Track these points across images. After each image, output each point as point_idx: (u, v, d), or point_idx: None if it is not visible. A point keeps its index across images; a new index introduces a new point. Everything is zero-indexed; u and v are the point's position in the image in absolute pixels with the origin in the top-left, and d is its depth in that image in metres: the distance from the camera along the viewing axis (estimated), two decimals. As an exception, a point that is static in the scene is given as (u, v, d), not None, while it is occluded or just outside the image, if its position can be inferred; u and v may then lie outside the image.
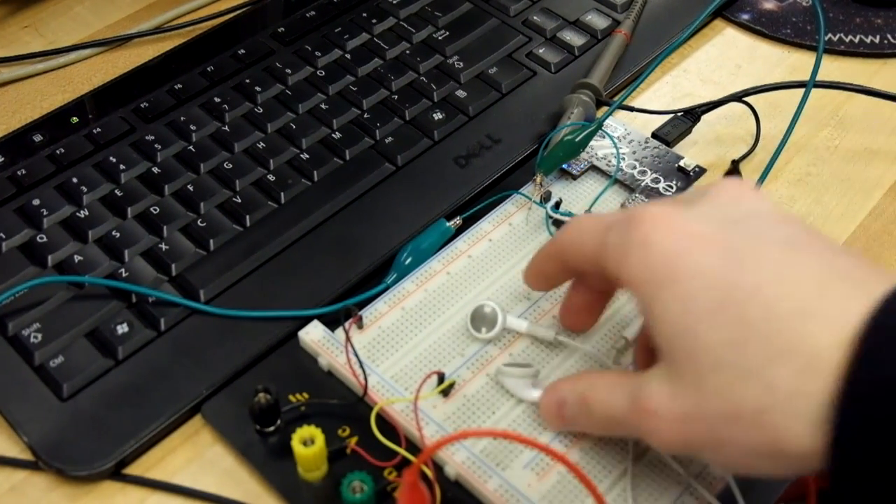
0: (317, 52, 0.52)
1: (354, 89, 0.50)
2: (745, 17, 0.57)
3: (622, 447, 0.35)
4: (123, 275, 0.41)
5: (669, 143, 0.47)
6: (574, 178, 0.45)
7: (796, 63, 0.54)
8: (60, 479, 0.36)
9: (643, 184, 0.45)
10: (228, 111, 0.49)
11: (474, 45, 0.53)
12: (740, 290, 0.28)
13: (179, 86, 0.50)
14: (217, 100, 0.49)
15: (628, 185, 0.45)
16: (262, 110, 0.49)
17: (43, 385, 0.38)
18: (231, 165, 0.46)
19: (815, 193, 0.47)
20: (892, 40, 0.55)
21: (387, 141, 0.47)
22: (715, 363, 0.28)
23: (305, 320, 0.39)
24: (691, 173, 0.45)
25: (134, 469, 0.36)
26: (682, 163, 0.46)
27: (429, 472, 0.34)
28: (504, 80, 0.51)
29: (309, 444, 0.34)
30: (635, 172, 0.45)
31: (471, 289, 0.41)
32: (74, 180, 0.45)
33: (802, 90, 0.47)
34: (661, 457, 0.35)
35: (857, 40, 0.55)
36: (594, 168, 0.46)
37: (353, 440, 0.36)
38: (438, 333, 0.39)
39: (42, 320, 0.39)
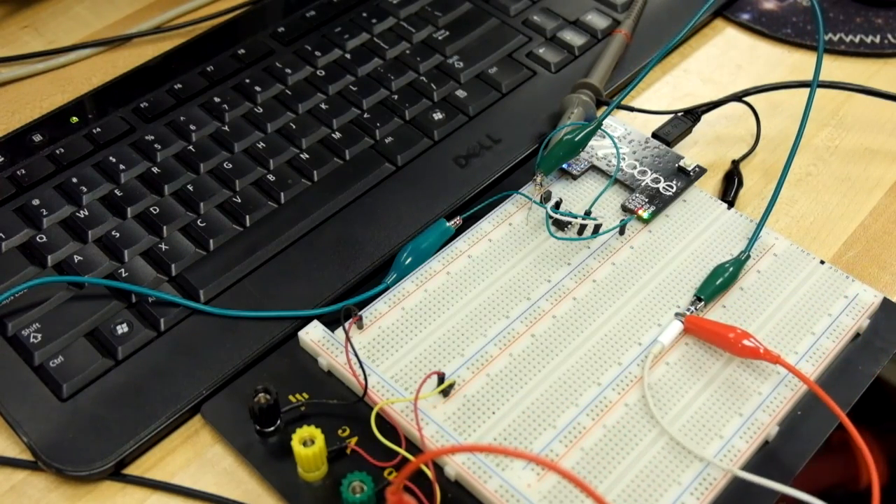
0: (317, 52, 0.52)
1: (354, 89, 0.50)
2: (746, 17, 0.57)
3: (622, 448, 0.35)
4: (123, 275, 0.41)
5: (670, 143, 0.47)
6: (574, 177, 0.45)
7: (797, 63, 0.54)
8: (60, 479, 0.36)
9: (643, 184, 0.45)
10: (228, 111, 0.49)
11: (474, 45, 0.53)
12: None
13: (179, 86, 0.50)
14: (217, 100, 0.49)
15: (628, 185, 0.45)
16: (261, 110, 0.49)
17: (43, 385, 0.38)
18: (231, 165, 0.46)
19: (814, 193, 0.47)
20: (892, 40, 0.55)
21: (387, 141, 0.47)
22: None
23: (305, 320, 0.39)
24: (691, 173, 0.45)
25: (134, 469, 0.36)
26: (682, 163, 0.46)
27: (429, 473, 0.34)
28: (504, 80, 0.51)
29: (309, 445, 0.34)
30: (635, 172, 0.45)
31: (471, 289, 0.41)
32: (74, 180, 0.45)
33: (802, 90, 0.46)
34: (659, 457, 0.35)
35: (857, 40, 0.55)
36: (594, 168, 0.46)
37: (353, 440, 0.36)
38: (438, 333, 0.39)
39: (42, 320, 0.39)
